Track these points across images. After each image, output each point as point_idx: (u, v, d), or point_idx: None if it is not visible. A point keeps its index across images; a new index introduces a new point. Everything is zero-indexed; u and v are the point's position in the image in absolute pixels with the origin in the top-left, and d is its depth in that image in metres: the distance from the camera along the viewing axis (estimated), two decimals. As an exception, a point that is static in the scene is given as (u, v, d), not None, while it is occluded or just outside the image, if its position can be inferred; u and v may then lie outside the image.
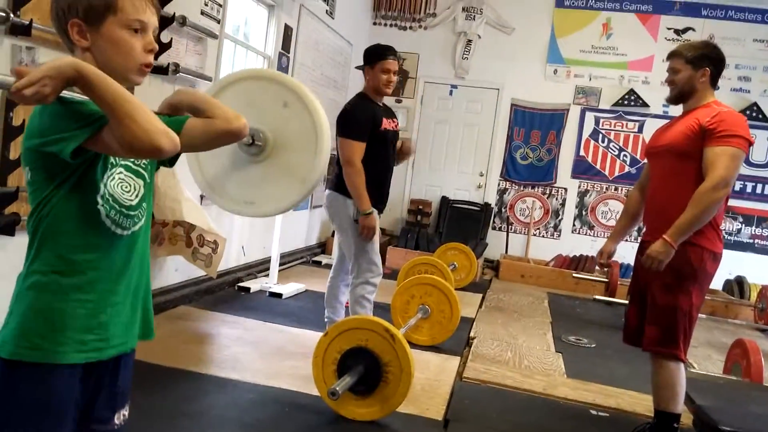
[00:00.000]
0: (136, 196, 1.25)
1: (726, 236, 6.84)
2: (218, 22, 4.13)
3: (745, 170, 6.86)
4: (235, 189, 1.85)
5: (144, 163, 1.28)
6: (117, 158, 1.21)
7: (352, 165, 3.16)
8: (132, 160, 1.24)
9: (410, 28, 7.79)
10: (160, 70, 3.49)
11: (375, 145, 3.24)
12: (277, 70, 5.19)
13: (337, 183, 3.32)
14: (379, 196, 3.33)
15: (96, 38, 1.19)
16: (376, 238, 3.30)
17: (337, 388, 2.43)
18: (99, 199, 1.18)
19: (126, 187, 1.23)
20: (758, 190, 7.09)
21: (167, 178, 3.56)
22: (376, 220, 3.26)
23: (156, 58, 3.44)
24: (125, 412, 1.37)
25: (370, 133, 3.21)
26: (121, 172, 1.22)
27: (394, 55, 3.34)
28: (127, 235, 1.24)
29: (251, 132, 1.76)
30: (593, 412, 3.10)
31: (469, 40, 7.59)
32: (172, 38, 3.53)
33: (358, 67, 3.41)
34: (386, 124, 3.33)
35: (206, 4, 3.96)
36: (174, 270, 4.05)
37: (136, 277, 1.29)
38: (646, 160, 2.79)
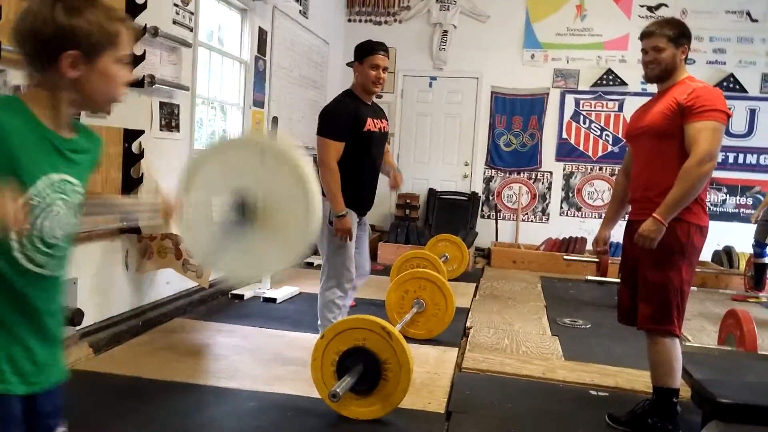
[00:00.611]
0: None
1: (711, 207, 6.90)
2: (191, 30, 4.10)
3: (726, 141, 6.90)
4: (233, 258, 1.83)
5: None
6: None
7: (325, 165, 3.07)
8: None
9: (385, 22, 7.77)
10: (136, 83, 3.46)
11: (357, 146, 3.13)
12: (254, 76, 5.17)
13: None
14: (359, 199, 3.23)
15: (88, 71, 1.19)
16: (352, 244, 3.20)
17: (338, 390, 2.43)
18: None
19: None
20: (740, 160, 7.16)
21: (152, 191, 3.54)
22: (351, 223, 3.15)
23: (131, 71, 3.41)
24: None
25: (352, 133, 3.10)
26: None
27: (384, 50, 3.22)
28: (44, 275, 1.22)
29: (238, 200, 1.76)
30: (593, 392, 3.13)
31: (445, 31, 7.58)
32: (145, 50, 3.50)
33: (348, 64, 3.33)
34: (371, 124, 3.18)
35: (178, 13, 3.92)
36: (165, 283, 4.03)
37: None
38: (627, 144, 2.80)
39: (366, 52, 3.19)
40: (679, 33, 2.49)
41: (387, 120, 3.39)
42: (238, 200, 1.73)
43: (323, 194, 3.13)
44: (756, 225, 5.82)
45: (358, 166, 3.15)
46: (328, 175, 3.05)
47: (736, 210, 7.24)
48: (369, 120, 3.18)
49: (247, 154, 1.82)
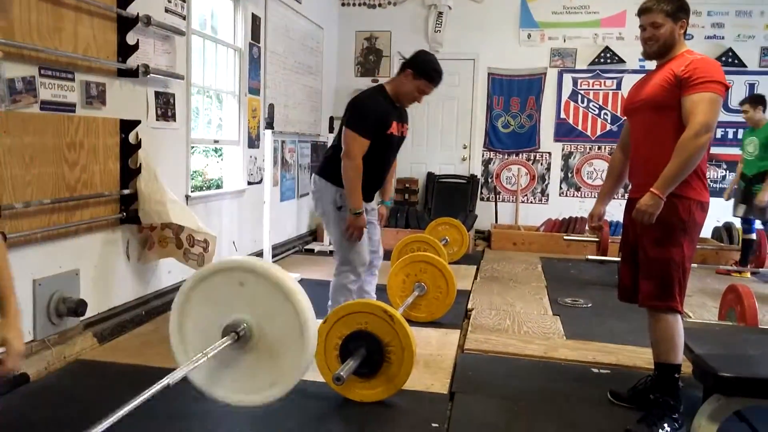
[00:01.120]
0: None
1: (711, 184, 6.88)
2: (184, 18, 4.07)
3: (725, 117, 6.90)
4: (232, 384, 1.83)
5: None
6: None
7: (351, 158, 3.02)
8: None
9: (380, 5, 7.71)
10: (130, 73, 3.44)
11: (376, 147, 3.09)
12: (249, 63, 5.14)
13: (325, 168, 3.23)
14: (366, 190, 3.20)
15: None
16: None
17: (342, 373, 2.45)
18: None
19: None
20: (740, 136, 7.12)
21: (150, 182, 3.54)
22: (365, 221, 3.17)
23: (124, 61, 3.41)
24: None
25: (375, 131, 3.06)
26: None
27: (438, 84, 3.17)
28: None
29: (233, 326, 1.74)
30: (594, 370, 3.15)
31: (440, 13, 7.53)
32: (138, 39, 3.48)
33: (403, 64, 3.14)
34: (395, 128, 3.16)
35: (170, 1, 3.89)
36: (167, 272, 4.03)
37: None
38: (625, 118, 2.79)
39: (428, 76, 3.12)
40: (677, 7, 2.46)
41: (408, 125, 3.37)
42: (233, 327, 1.74)
43: (333, 182, 3.16)
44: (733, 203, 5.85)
45: (370, 162, 3.11)
46: (350, 170, 3.03)
47: (737, 186, 7.21)
48: (394, 123, 3.15)
49: (233, 279, 1.81)
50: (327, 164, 3.25)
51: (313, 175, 3.34)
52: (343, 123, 3.13)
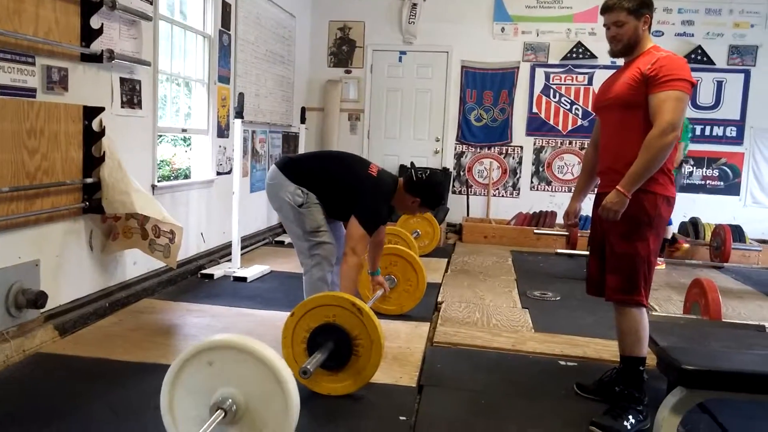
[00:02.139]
0: None
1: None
2: (151, 2, 3.97)
3: (692, 113, 7.01)
4: None
5: None
6: None
7: (358, 255, 3.02)
8: None
9: (354, -5, 7.65)
10: (94, 58, 3.34)
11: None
12: (219, 51, 5.05)
13: (291, 167, 3.18)
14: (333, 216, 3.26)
15: None
16: (323, 218, 3.17)
17: (309, 366, 2.42)
18: None
19: None
20: (707, 132, 7.27)
21: (114, 171, 3.45)
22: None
23: (88, 46, 3.31)
24: None
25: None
26: None
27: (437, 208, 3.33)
28: None
29: (219, 403, 1.79)
30: (561, 362, 3.17)
31: (414, 4, 7.49)
32: (102, 23, 3.38)
33: (409, 187, 3.20)
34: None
35: (137, -15, 3.80)
36: (132, 263, 3.95)
37: None
38: (595, 114, 2.80)
39: (430, 205, 3.30)
40: (638, 3, 2.45)
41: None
42: (219, 404, 1.79)
43: (293, 180, 3.12)
44: None
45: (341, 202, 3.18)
46: (354, 270, 3.02)
47: (703, 182, 7.37)
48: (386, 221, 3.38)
49: (200, 363, 1.84)
50: (295, 165, 3.20)
51: (273, 167, 3.25)
52: (357, 205, 3.08)
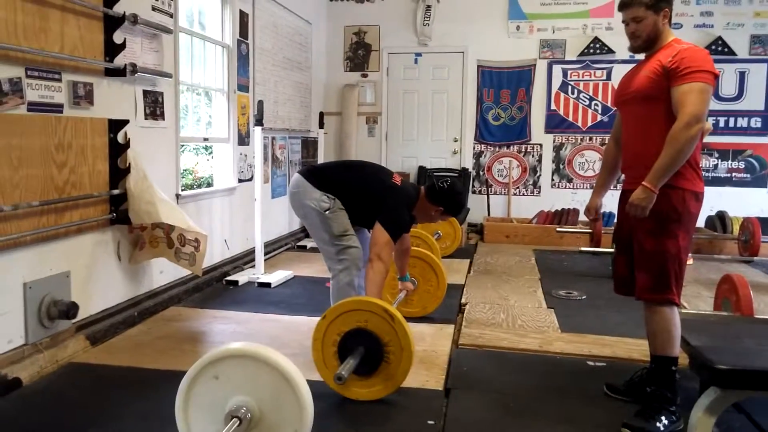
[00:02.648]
0: None
1: (704, 173, 6.89)
2: (171, 15, 4.02)
3: (716, 105, 6.91)
4: None
5: None
6: None
7: (384, 261, 3.03)
8: None
9: (368, 0, 7.66)
10: (118, 72, 3.40)
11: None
12: (237, 60, 5.10)
13: (316, 175, 3.22)
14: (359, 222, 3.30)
15: None
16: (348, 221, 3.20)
17: (343, 372, 2.43)
18: None
19: None
20: (731, 124, 7.16)
21: (140, 181, 3.50)
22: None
23: (112, 60, 3.37)
24: None
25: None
26: None
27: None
28: None
29: (233, 412, 1.78)
30: (590, 363, 3.15)
31: (428, 6, 7.49)
32: (125, 38, 3.44)
33: (431, 197, 3.25)
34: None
35: (156, -1, 3.85)
36: (159, 272, 4.00)
37: None
38: (616, 109, 2.77)
39: (453, 213, 3.36)
40: None
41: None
42: (234, 414, 1.77)
43: (318, 186, 3.16)
44: None
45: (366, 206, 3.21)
46: (381, 274, 3.02)
47: (729, 174, 7.26)
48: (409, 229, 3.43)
49: (207, 378, 1.83)
50: (319, 173, 3.25)
51: (296, 175, 3.29)
52: (382, 215, 3.10)
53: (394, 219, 3.12)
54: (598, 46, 7.27)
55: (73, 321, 3.16)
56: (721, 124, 7.07)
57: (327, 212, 3.13)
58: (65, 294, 3.11)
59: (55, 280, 3.05)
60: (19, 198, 2.78)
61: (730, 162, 7.24)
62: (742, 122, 7.16)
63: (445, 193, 3.24)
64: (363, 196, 3.19)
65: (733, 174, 7.25)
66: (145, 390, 2.73)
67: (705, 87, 2.32)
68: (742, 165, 7.23)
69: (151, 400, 2.62)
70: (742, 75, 7.08)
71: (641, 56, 2.61)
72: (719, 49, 6.97)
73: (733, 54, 7.01)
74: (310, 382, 2.71)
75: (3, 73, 2.65)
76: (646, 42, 2.50)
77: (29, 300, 2.89)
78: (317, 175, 3.23)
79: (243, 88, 5.30)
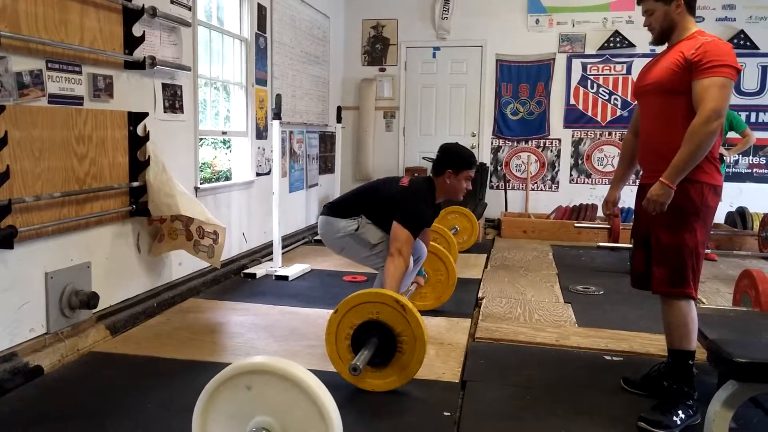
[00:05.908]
0: None
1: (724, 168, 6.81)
2: (189, 9, 4.05)
3: (737, 100, 6.81)
4: None
5: None
6: None
7: (405, 257, 3.08)
8: None
9: (386, -7, 7.66)
10: (137, 65, 3.43)
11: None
12: (256, 54, 5.12)
13: (331, 207, 3.40)
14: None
15: None
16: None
17: (358, 363, 2.44)
18: None
19: None
20: (752, 119, 7.04)
21: (159, 174, 3.54)
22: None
23: (131, 53, 3.40)
24: None
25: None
26: None
27: (476, 163, 3.39)
28: None
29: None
30: (607, 357, 3.13)
31: (447, -1, 7.47)
32: (144, 31, 3.47)
33: (437, 171, 3.30)
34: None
35: (176, -8, 3.88)
36: (178, 264, 4.05)
37: None
38: (635, 102, 2.75)
39: (464, 165, 3.28)
40: None
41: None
42: None
43: (340, 216, 3.30)
44: None
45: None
46: (400, 270, 3.04)
47: (750, 170, 7.15)
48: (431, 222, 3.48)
49: (237, 387, 1.70)
50: (336, 205, 3.41)
51: (320, 218, 3.44)
52: (398, 214, 3.13)
53: (410, 214, 3.16)
54: (618, 39, 7.19)
55: (94, 311, 3.21)
56: (743, 119, 6.94)
57: (357, 231, 3.28)
58: (86, 284, 3.16)
59: (76, 270, 3.10)
60: (41, 189, 2.83)
61: (750, 157, 7.13)
62: (764, 117, 7.04)
63: (440, 157, 3.32)
64: (380, 206, 3.29)
65: (754, 170, 7.14)
66: (164, 379, 2.77)
67: (726, 82, 2.29)
68: (762, 160, 7.12)
69: (170, 389, 2.66)
70: (764, 69, 6.96)
71: (663, 48, 2.58)
72: (741, 42, 6.86)
73: (756, 48, 6.90)
74: (326, 373, 2.75)
75: (24, 65, 2.70)
76: (660, 34, 2.49)
77: (51, 290, 2.94)
78: (335, 207, 3.40)
79: (261, 81, 5.32)
